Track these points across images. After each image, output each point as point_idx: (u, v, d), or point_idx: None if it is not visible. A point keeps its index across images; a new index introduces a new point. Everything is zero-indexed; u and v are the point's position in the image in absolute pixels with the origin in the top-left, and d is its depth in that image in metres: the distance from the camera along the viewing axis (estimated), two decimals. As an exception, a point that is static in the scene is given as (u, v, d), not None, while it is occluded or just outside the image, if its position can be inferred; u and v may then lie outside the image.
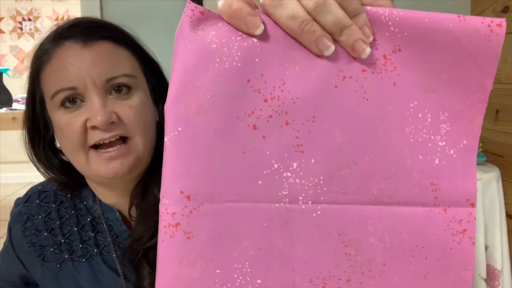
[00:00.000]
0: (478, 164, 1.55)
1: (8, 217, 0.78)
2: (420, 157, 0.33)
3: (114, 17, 1.72)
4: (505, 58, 1.57)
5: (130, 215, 0.71)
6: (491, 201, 1.46)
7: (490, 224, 1.45)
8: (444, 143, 0.33)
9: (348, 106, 0.33)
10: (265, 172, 0.33)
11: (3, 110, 2.77)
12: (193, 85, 0.32)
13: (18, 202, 0.77)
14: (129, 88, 0.64)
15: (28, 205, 0.74)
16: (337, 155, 0.33)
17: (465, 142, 0.34)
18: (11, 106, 2.86)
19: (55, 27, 0.66)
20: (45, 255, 0.72)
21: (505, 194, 1.53)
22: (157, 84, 0.70)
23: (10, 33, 4.29)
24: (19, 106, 2.94)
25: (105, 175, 0.63)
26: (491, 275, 1.46)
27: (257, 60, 0.32)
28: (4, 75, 2.93)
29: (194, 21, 0.32)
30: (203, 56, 0.32)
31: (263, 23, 0.31)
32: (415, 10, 0.32)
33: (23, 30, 4.29)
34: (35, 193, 0.75)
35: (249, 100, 0.32)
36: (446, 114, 0.33)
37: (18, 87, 4.04)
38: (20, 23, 4.29)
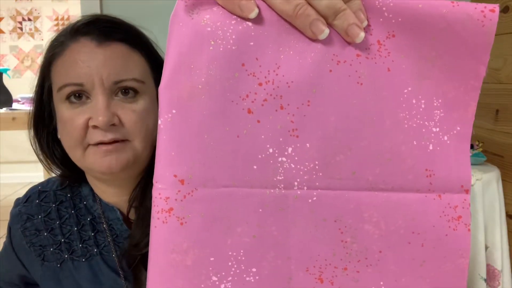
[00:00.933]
0: (478, 164, 1.55)
1: (8, 217, 0.77)
2: (414, 142, 0.33)
3: (114, 17, 1.72)
4: (505, 58, 1.57)
5: (128, 218, 0.71)
6: (491, 201, 1.45)
7: (490, 224, 1.45)
8: (438, 129, 0.33)
9: (342, 90, 0.33)
10: (260, 156, 0.33)
11: (3, 110, 2.77)
12: (187, 68, 0.32)
13: (17, 202, 0.77)
14: (136, 92, 0.64)
15: (28, 205, 0.75)
16: (332, 140, 0.33)
17: (458, 128, 0.34)
18: (11, 106, 2.86)
19: (74, 21, 0.67)
20: (45, 255, 0.72)
21: (505, 194, 1.53)
22: None
23: (10, 33, 4.29)
24: (19, 106, 2.93)
25: (99, 168, 0.63)
26: (491, 275, 1.46)
27: (251, 43, 0.32)
28: (4, 75, 2.93)
29: (189, 5, 0.32)
30: (198, 39, 0.32)
31: (258, 6, 0.31)
32: None
33: (23, 30, 4.29)
34: (35, 193, 0.76)
35: (244, 83, 0.32)
36: (440, 101, 0.34)
37: (18, 87, 4.05)
38: (20, 23, 4.29)
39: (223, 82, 0.32)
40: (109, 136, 0.62)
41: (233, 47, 0.32)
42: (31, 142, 0.72)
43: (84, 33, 0.64)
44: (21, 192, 0.78)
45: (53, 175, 0.78)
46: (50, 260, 0.71)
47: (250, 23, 0.32)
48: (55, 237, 0.72)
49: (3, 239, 0.79)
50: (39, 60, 0.69)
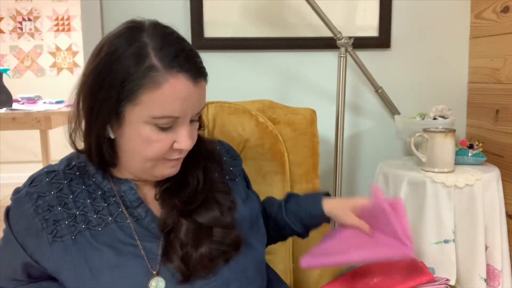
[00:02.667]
0: (478, 164, 1.55)
1: None
2: None
3: (114, 18, 1.72)
4: (505, 58, 1.57)
5: (155, 196, 0.81)
6: (491, 201, 1.45)
7: (490, 224, 1.45)
8: None
9: None
10: None
11: (3, 110, 2.77)
12: None
13: (18, 189, 0.79)
14: None
15: (36, 185, 0.78)
16: None
17: None
18: (11, 106, 2.86)
19: (170, 47, 0.70)
20: (57, 231, 0.75)
21: (505, 194, 1.53)
22: None
23: (10, 33, 4.29)
24: (19, 106, 2.93)
25: (160, 175, 0.78)
26: (491, 275, 1.46)
27: None
28: (4, 75, 2.93)
29: None
30: None
31: None
32: None
33: (23, 30, 4.29)
34: (41, 174, 0.79)
35: None
36: None
37: (18, 87, 4.03)
38: (20, 23, 4.29)
39: None
40: (183, 154, 0.76)
41: None
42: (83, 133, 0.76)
43: (182, 70, 0.69)
44: (21, 192, 0.79)
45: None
46: (64, 234, 0.75)
47: None
48: (69, 211, 0.76)
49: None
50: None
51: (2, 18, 4.27)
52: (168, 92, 0.68)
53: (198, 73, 0.71)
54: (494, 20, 1.63)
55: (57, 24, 4.30)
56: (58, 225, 0.75)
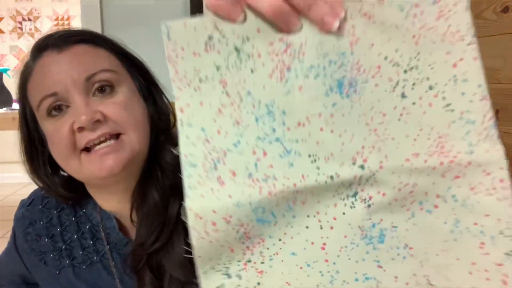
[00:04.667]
0: (478, 164, 1.55)
1: (8, 217, 0.78)
2: None
3: (114, 17, 1.72)
4: (505, 58, 1.57)
5: (132, 220, 0.68)
6: (491, 201, 1.45)
7: (490, 224, 1.45)
8: None
9: None
10: None
11: (3, 110, 2.78)
12: None
13: (22, 204, 0.77)
14: (111, 86, 0.63)
15: (31, 209, 0.75)
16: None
17: None
18: (11, 106, 2.86)
19: (33, 44, 0.67)
20: (46, 260, 0.73)
21: (505, 194, 1.53)
22: (144, 81, 0.69)
23: (10, 33, 4.29)
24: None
25: (99, 174, 0.60)
26: (491, 275, 1.46)
27: None
28: (4, 75, 2.93)
29: None
30: None
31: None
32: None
33: (23, 30, 4.29)
34: (38, 197, 0.76)
35: None
36: None
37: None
38: (20, 23, 4.29)
39: None
40: (97, 133, 0.60)
41: None
42: (28, 173, 0.70)
43: (44, 48, 0.64)
44: (21, 192, 0.80)
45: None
46: (50, 265, 0.73)
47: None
48: (55, 244, 0.73)
49: (3, 239, 0.80)
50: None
51: (2, 18, 4.27)
52: (38, 73, 0.63)
53: (63, 42, 0.63)
54: (494, 20, 1.63)
55: (57, 24, 4.30)
56: (45, 256, 0.73)
